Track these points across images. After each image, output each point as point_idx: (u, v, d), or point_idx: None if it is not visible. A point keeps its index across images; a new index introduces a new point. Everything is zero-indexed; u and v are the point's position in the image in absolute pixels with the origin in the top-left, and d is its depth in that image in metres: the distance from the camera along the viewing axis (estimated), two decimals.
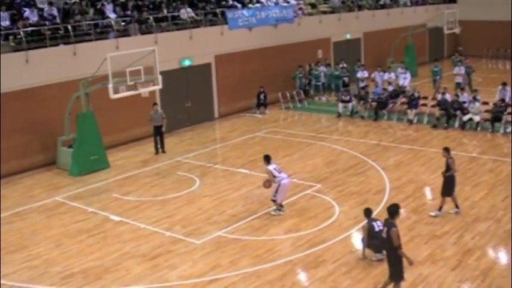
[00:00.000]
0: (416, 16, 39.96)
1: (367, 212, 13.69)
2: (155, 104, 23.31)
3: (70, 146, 21.54)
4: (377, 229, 13.12)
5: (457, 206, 15.89)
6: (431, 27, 38.29)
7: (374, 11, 38.51)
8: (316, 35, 33.52)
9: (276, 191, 16.22)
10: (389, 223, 11.21)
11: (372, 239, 13.18)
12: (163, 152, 22.82)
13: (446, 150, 15.80)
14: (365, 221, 13.56)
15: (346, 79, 31.82)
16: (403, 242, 14.13)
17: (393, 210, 11.33)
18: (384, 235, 11.28)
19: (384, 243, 11.48)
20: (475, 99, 24.76)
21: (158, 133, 22.83)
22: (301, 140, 24.12)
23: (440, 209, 15.82)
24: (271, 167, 16.27)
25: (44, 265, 14.07)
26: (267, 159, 16.47)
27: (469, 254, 13.60)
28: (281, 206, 16.51)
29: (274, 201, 16.40)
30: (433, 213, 15.82)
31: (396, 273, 11.33)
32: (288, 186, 16.58)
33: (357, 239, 14.73)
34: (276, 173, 16.17)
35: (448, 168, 15.58)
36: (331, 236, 14.89)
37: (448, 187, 15.72)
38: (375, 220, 13.58)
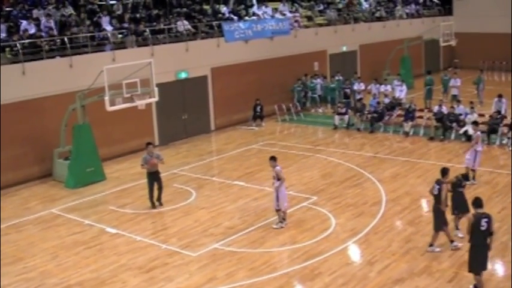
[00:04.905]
0: (412, 28, 40.13)
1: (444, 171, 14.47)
2: (149, 143, 18.61)
3: (66, 158, 21.51)
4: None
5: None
6: (427, 40, 38.41)
7: (370, 23, 38.61)
8: (312, 47, 33.61)
9: (277, 199, 16.06)
10: None
11: None
12: (161, 204, 18.47)
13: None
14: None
15: (347, 91, 31.82)
16: (400, 253, 14.23)
17: None
18: None
19: None
20: (471, 109, 24.87)
21: (154, 181, 18.40)
22: (297, 152, 24.14)
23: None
24: (279, 168, 16.04)
25: (40, 277, 14.03)
26: (275, 159, 16.13)
27: (465, 266, 13.43)
28: (284, 219, 16.35)
29: (278, 211, 16.24)
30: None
31: None
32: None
33: (353, 251, 14.75)
34: (281, 176, 15.96)
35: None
36: (327, 248, 14.87)
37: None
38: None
